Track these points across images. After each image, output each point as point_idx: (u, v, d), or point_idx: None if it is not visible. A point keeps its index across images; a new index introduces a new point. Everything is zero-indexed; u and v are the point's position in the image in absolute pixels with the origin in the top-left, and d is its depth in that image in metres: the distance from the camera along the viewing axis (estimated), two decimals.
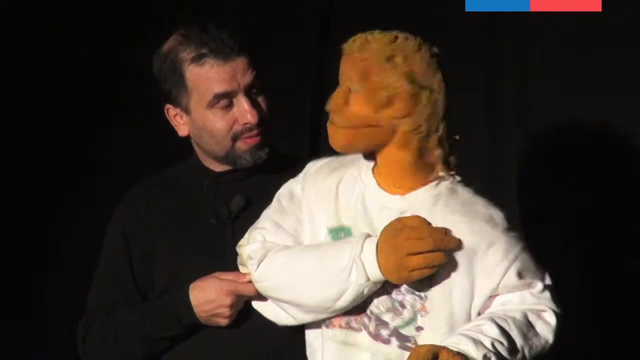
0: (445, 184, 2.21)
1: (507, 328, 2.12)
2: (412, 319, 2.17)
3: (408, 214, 2.16)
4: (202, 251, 2.52)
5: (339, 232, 2.23)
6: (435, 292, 2.16)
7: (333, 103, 2.19)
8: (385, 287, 2.18)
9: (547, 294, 2.20)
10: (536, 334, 2.16)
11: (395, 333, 2.19)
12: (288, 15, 3.31)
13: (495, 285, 2.16)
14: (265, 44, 2.68)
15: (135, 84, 3.35)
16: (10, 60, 3.40)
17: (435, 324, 2.16)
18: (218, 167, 2.60)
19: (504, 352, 2.10)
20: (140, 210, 2.62)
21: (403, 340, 2.18)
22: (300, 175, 2.35)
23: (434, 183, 2.21)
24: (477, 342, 2.08)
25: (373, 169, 2.25)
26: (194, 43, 2.50)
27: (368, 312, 2.21)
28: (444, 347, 2.05)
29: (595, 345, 3.05)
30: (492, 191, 3.07)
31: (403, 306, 2.18)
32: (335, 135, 2.20)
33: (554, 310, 2.19)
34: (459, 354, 2.04)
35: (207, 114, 2.53)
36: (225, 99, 2.50)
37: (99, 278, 2.63)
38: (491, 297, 2.18)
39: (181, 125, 2.59)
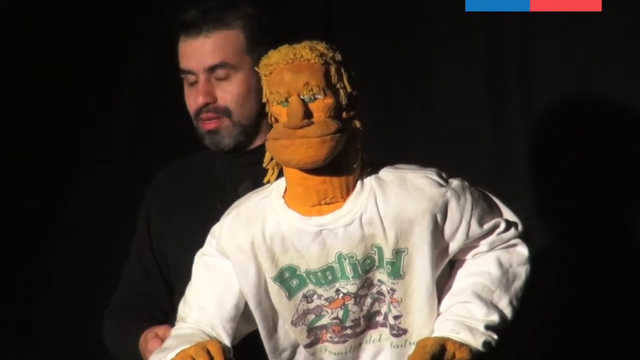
0: (369, 178, 2.09)
1: (490, 297, 2.09)
2: (387, 312, 2.12)
3: (354, 225, 2.04)
4: (203, 237, 2.50)
5: (283, 275, 2.10)
6: (407, 280, 2.08)
7: (299, 117, 1.99)
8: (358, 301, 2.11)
9: (511, 230, 2.13)
10: (515, 275, 2.12)
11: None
12: (291, 14, 3.31)
13: (462, 243, 2.09)
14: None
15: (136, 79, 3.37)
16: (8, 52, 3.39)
17: (413, 307, 2.09)
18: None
19: (499, 324, 2.07)
20: (161, 191, 2.64)
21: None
22: (212, 243, 2.19)
23: (359, 181, 2.08)
24: (474, 330, 2.05)
25: (285, 196, 2.10)
26: (182, 15, 2.51)
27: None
28: (447, 339, 2.03)
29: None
30: (497, 187, 3.10)
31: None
32: (315, 147, 1.99)
33: (522, 240, 2.14)
34: (463, 344, 2.04)
35: (184, 88, 2.54)
36: (190, 75, 2.50)
37: (128, 257, 2.67)
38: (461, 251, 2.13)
39: None
